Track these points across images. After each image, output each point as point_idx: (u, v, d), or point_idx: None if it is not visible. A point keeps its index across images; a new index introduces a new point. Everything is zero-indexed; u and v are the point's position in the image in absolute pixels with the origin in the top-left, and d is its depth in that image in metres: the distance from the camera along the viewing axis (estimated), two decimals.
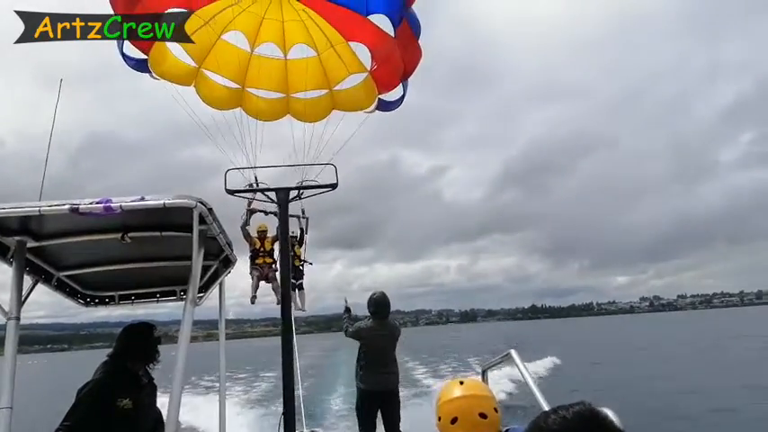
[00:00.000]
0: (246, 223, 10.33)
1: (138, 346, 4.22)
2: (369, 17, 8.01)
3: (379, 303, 7.62)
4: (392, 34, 8.01)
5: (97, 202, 2.79)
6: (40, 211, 2.76)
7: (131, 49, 8.16)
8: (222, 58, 8.50)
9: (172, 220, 3.23)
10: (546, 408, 3.39)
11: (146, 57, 8.13)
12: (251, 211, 9.90)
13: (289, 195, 7.50)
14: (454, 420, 2.64)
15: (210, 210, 3.06)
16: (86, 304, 4.69)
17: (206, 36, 8.30)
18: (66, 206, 2.78)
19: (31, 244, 3.29)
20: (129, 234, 3.33)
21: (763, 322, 69.91)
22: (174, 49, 8.29)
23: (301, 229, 11.13)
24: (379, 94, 8.90)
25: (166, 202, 2.83)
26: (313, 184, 7.65)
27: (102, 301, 4.79)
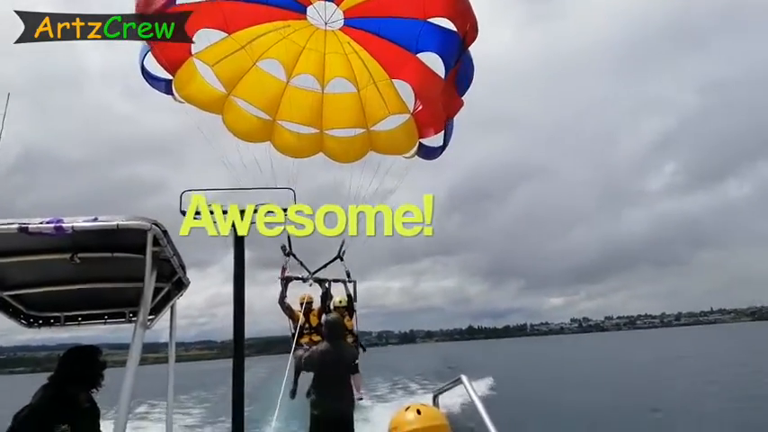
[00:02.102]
0: (284, 295, 8.86)
1: (81, 370, 4.01)
2: (418, 55, 7.41)
3: (333, 326, 7.37)
4: (441, 74, 7.35)
5: (47, 222, 2.72)
6: None
7: (155, 67, 7.53)
8: (255, 87, 7.88)
9: (124, 240, 3.13)
10: None
11: (171, 77, 7.49)
12: (286, 280, 8.67)
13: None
14: None
15: (165, 232, 3.03)
16: (29, 325, 4.48)
17: (240, 61, 7.70)
18: (15, 225, 2.70)
19: None
20: (79, 254, 3.20)
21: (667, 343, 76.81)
22: (205, 72, 7.67)
23: (349, 296, 9.41)
24: (421, 138, 8.19)
25: (120, 223, 2.80)
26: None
27: (47, 322, 4.61)
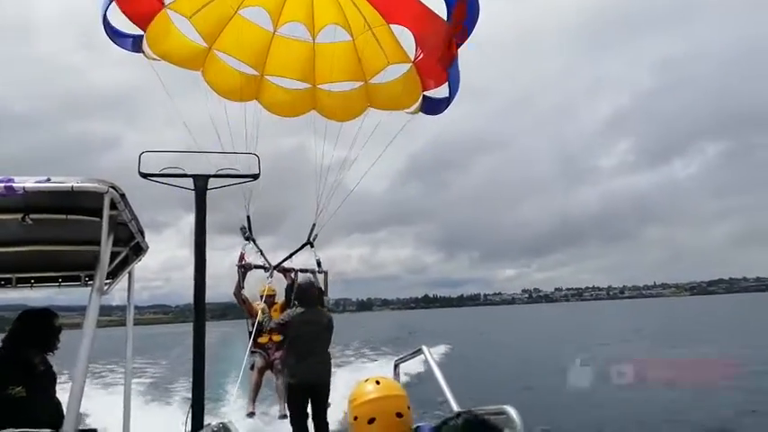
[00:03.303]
0: (241, 285, 7.83)
1: (35, 333, 4.06)
2: None
3: (305, 290, 7.07)
4: (443, 16, 6.47)
5: None
6: None
7: (121, 22, 6.65)
8: (239, 38, 7.03)
9: (79, 202, 3.05)
10: (453, 403, 4.29)
11: (141, 33, 6.63)
12: (244, 268, 7.70)
13: (207, 183, 6.84)
14: (371, 420, 2.72)
15: (123, 195, 2.94)
16: None
17: (220, 10, 6.88)
18: None
19: None
20: (31, 216, 3.10)
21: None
22: (181, 25, 6.84)
23: (320, 290, 7.84)
24: (424, 90, 7.34)
25: (74, 185, 2.70)
26: (233, 172, 7.06)
27: None
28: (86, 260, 4.17)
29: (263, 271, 7.88)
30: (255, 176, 7.10)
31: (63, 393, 3.70)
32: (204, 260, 6.16)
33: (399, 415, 2.75)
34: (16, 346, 3.97)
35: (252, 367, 8.41)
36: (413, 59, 7.22)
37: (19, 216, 3.10)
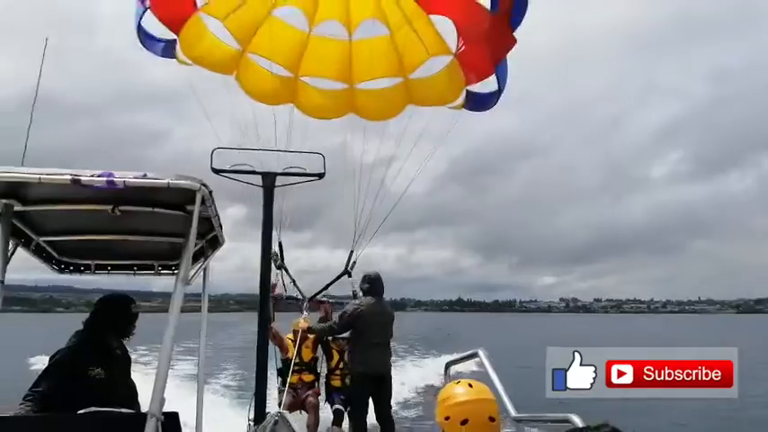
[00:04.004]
0: (271, 318, 7.26)
1: (114, 317, 4.25)
2: None
3: (375, 281, 7.11)
4: (487, 5, 6.22)
5: (99, 175, 2.80)
6: (40, 179, 2.78)
7: (155, 27, 6.50)
8: (273, 40, 6.77)
9: (165, 197, 3.23)
10: (511, 408, 4.20)
11: (175, 37, 6.47)
12: (275, 299, 7.26)
13: (275, 181, 6.87)
14: (464, 422, 2.77)
15: (211, 192, 3.10)
16: (61, 271, 4.65)
17: (254, 11, 6.65)
18: (68, 176, 2.78)
19: (17, 208, 3.25)
20: (120, 207, 3.28)
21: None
22: (215, 28, 6.65)
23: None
24: (468, 84, 6.91)
25: (170, 181, 2.88)
26: (300, 171, 7.07)
27: (78, 269, 4.77)
28: (161, 250, 4.43)
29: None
30: (321, 175, 7.06)
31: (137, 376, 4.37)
32: (270, 253, 6.18)
33: (492, 419, 2.82)
34: (96, 329, 4.15)
35: (280, 405, 7.53)
36: (454, 51, 6.81)
37: (109, 207, 3.28)
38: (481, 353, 5.28)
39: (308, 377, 7.64)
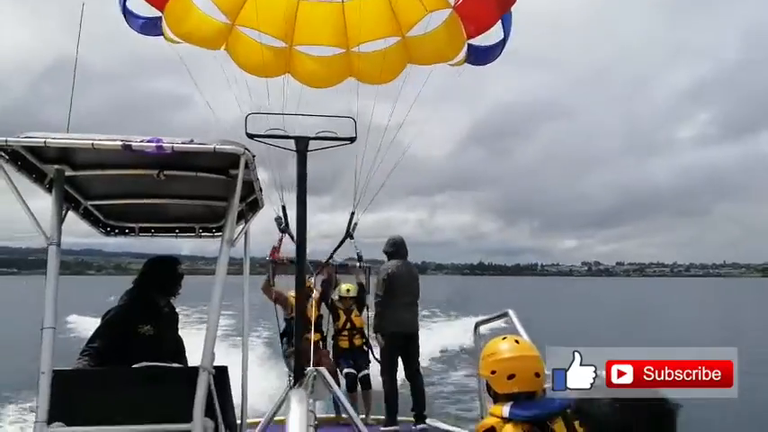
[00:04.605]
0: (271, 281, 7.39)
1: (161, 277, 4.45)
2: None
3: (399, 244, 7.52)
4: None
5: (148, 141, 2.90)
6: (93, 145, 2.88)
7: (139, 5, 6.30)
8: (261, 10, 6.45)
9: (208, 162, 3.36)
10: None
11: (159, 14, 6.25)
12: (276, 263, 7.24)
13: (308, 145, 6.40)
14: (511, 377, 2.88)
15: (254, 157, 3.19)
16: (107, 233, 4.84)
17: None
18: (119, 142, 2.88)
19: (68, 173, 3.37)
20: (165, 172, 3.40)
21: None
22: (200, 2, 6.36)
23: (360, 285, 7.91)
24: (469, 38, 6.52)
25: (216, 147, 2.97)
26: (332, 135, 6.55)
27: (123, 232, 4.95)
28: (202, 213, 4.63)
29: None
30: (352, 139, 6.70)
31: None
32: (305, 216, 6.11)
33: (537, 375, 2.90)
34: (145, 289, 4.38)
35: (290, 370, 7.44)
36: (453, 4, 6.43)
37: (154, 172, 3.39)
38: (511, 313, 5.28)
39: (314, 336, 7.41)
